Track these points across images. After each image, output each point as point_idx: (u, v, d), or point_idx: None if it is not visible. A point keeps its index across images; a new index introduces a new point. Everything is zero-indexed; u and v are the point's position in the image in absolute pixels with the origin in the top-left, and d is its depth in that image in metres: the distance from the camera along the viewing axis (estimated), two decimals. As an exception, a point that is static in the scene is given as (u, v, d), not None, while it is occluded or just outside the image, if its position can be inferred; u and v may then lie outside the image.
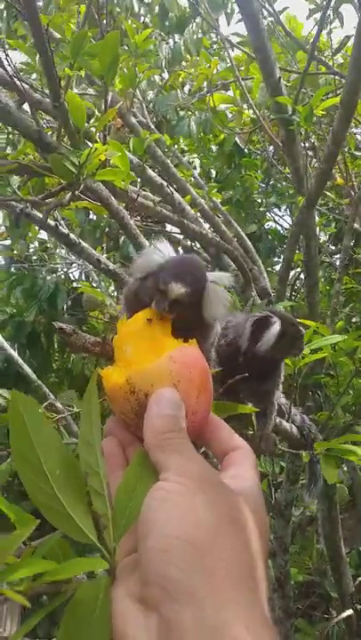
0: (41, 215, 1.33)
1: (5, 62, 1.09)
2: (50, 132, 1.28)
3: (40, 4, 2.23)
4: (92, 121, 1.23)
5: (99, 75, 1.06)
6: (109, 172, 1.00)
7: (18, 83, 1.08)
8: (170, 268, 0.62)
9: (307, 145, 1.72)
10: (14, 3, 0.91)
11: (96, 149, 0.98)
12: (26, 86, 1.23)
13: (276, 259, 2.80)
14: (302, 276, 2.28)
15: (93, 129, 1.13)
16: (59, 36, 1.33)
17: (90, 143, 1.15)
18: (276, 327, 0.99)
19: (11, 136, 2.77)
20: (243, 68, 2.47)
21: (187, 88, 2.85)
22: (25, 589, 0.38)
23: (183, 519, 0.36)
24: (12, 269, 3.47)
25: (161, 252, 0.65)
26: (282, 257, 2.94)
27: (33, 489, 0.40)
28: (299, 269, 2.38)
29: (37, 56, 1.32)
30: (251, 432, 1.00)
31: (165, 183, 1.68)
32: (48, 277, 3.29)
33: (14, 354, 2.16)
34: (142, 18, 2.98)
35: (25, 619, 3.19)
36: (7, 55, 1.11)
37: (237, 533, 0.37)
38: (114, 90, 1.65)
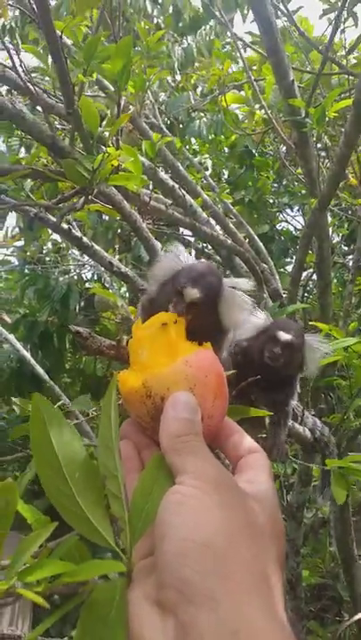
0: (54, 219, 1.34)
1: (19, 67, 1.10)
2: (61, 135, 1.29)
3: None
4: (104, 124, 1.24)
5: (112, 79, 1.07)
6: (123, 176, 1.01)
7: (31, 87, 1.09)
8: (186, 272, 0.65)
9: (319, 146, 1.71)
10: (29, 11, 0.92)
11: (109, 154, 0.99)
12: (38, 90, 1.25)
13: (288, 259, 2.79)
14: (315, 277, 2.27)
15: (106, 133, 1.14)
16: (70, 41, 1.35)
17: (102, 147, 1.16)
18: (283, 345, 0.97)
19: (25, 139, 2.80)
20: (255, 68, 2.47)
21: (199, 90, 2.85)
22: (43, 590, 0.38)
23: (199, 523, 0.37)
24: (26, 270, 3.50)
25: (178, 258, 0.67)
26: (294, 258, 2.93)
27: (52, 490, 0.41)
28: (311, 270, 2.36)
29: (50, 61, 1.34)
30: (264, 435, 1.00)
31: (177, 186, 1.69)
32: (60, 278, 3.32)
33: (27, 354, 2.18)
34: (155, 19, 2.99)
35: (37, 618, 3.22)
36: (21, 61, 1.12)
37: (253, 538, 0.37)
38: (125, 93, 1.66)
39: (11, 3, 1.10)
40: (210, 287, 0.64)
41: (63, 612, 0.39)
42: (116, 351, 0.71)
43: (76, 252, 3.52)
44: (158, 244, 1.45)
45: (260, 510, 0.40)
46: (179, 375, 0.46)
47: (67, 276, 3.40)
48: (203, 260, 0.77)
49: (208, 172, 2.40)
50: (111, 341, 0.73)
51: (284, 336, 0.87)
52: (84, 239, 1.44)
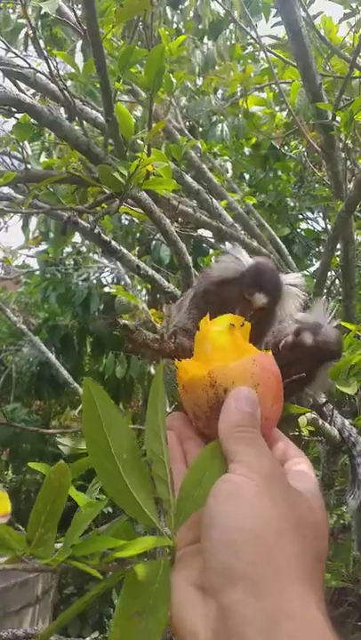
0: (85, 223, 1.37)
1: (54, 71, 1.13)
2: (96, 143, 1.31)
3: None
4: (139, 133, 1.27)
5: (144, 87, 1.09)
6: (155, 181, 1.03)
7: (67, 94, 1.12)
8: (252, 277, 0.68)
9: (341, 146, 1.71)
10: (76, 26, 0.94)
11: (143, 160, 1.01)
12: (73, 98, 1.27)
13: (309, 262, 2.79)
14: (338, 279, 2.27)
15: (139, 140, 1.16)
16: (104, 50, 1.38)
17: (131, 153, 1.18)
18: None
19: (46, 143, 2.85)
20: (276, 70, 2.47)
21: (219, 93, 2.87)
22: (96, 563, 0.40)
23: (250, 513, 0.37)
24: (47, 275, 3.55)
25: (238, 259, 0.70)
26: (315, 260, 2.92)
27: (101, 469, 0.42)
28: (335, 272, 2.36)
29: (81, 66, 1.36)
30: (297, 433, 1.01)
31: (202, 189, 1.70)
32: (81, 282, 3.36)
33: (52, 357, 2.21)
34: (175, 25, 3.01)
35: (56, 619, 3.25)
36: (57, 67, 1.15)
37: (300, 534, 0.38)
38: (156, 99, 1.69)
39: (56, 16, 1.13)
40: (275, 290, 0.67)
41: (81, 604, 0.40)
42: (159, 344, 0.73)
43: (96, 255, 3.56)
44: (184, 247, 1.47)
45: (308, 508, 0.40)
46: (245, 372, 0.47)
47: (87, 282, 3.45)
48: (263, 258, 0.79)
49: (229, 175, 2.41)
50: (155, 335, 0.75)
51: (307, 338, 0.85)
52: (113, 243, 1.47)
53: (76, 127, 1.16)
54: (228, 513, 0.38)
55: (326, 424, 1.20)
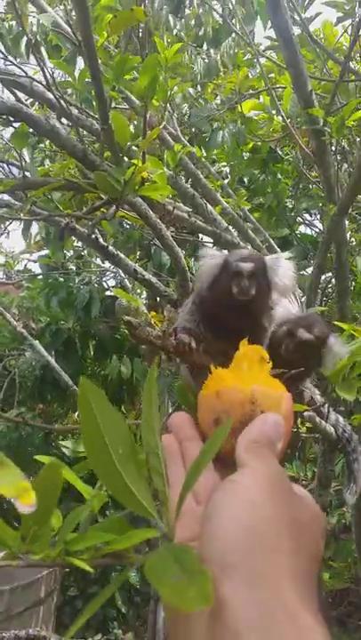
0: (82, 229, 1.40)
1: (50, 80, 1.16)
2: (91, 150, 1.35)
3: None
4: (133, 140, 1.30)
5: (139, 95, 1.12)
6: (151, 187, 1.06)
7: (63, 103, 1.15)
8: (228, 275, 0.76)
9: (336, 149, 1.73)
10: (69, 35, 0.98)
11: (138, 167, 1.04)
12: (66, 105, 1.31)
13: (306, 261, 2.81)
14: (333, 281, 2.29)
15: (134, 147, 1.19)
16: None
17: (126, 159, 1.21)
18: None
19: (47, 152, 2.88)
20: (272, 75, 2.51)
21: (218, 99, 2.90)
22: (88, 558, 0.42)
23: (251, 510, 0.39)
24: (49, 280, 3.58)
25: (213, 257, 0.75)
26: (312, 262, 2.94)
27: (98, 464, 0.44)
28: (329, 274, 2.39)
29: (76, 73, 1.40)
30: (295, 430, 1.03)
31: (197, 194, 1.73)
32: (82, 287, 3.39)
33: (52, 360, 2.24)
34: (176, 32, 3.04)
35: (59, 622, 3.27)
36: (52, 76, 1.18)
37: (297, 533, 0.40)
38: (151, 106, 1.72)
39: (53, 28, 1.16)
40: (258, 268, 0.74)
41: (100, 601, 0.40)
42: (162, 341, 0.76)
43: (97, 260, 3.59)
44: (181, 252, 1.50)
45: (307, 512, 0.42)
46: (281, 404, 0.52)
47: (88, 286, 3.47)
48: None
49: (226, 181, 2.44)
50: (158, 332, 0.77)
51: (304, 335, 0.88)
52: (110, 248, 1.50)
53: (73, 136, 1.19)
54: (230, 506, 0.39)
55: (323, 422, 1.22)
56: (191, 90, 2.62)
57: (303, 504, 0.43)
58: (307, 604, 0.35)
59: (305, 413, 1.12)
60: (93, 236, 1.34)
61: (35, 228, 3.34)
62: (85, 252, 3.58)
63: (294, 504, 0.41)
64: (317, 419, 1.20)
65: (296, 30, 1.72)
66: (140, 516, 0.44)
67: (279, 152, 2.62)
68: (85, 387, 0.45)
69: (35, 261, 3.73)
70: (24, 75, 1.37)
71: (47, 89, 1.16)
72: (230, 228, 1.91)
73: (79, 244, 3.32)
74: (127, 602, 3.42)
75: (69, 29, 1.10)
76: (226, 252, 0.80)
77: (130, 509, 0.44)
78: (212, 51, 2.82)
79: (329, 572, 2.55)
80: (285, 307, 0.92)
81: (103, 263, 3.49)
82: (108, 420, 0.45)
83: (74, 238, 2.65)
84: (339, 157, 2.35)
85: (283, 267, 0.79)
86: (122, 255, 1.48)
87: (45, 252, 3.34)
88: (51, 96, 1.26)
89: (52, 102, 1.30)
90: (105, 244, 1.37)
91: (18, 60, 2.06)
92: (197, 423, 0.55)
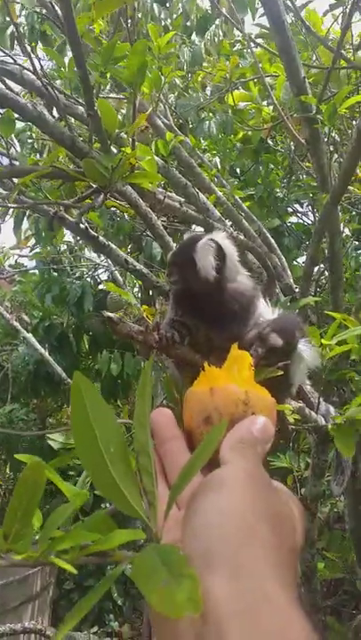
0: (72, 219, 1.38)
1: (38, 69, 1.14)
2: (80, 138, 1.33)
3: None
4: (121, 127, 1.28)
5: (128, 82, 1.10)
6: (140, 174, 1.05)
7: (51, 90, 1.13)
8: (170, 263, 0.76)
9: (328, 140, 1.72)
10: (53, 18, 0.95)
11: (126, 154, 1.02)
12: (56, 92, 1.28)
13: (300, 251, 2.81)
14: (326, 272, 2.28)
15: (123, 134, 1.17)
16: (85, 42, 1.39)
17: (114, 149, 1.19)
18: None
19: (35, 145, 2.85)
20: (260, 65, 2.49)
21: (208, 90, 2.88)
22: (71, 558, 0.41)
23: (233, 502, 0.39)
24: (41, 273, 3.56)
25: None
26: (305, 252, 2.93)
27: (88, 462, 0.43)
28: (323, 265, 2.38)
29: (67, 62, 1.38)
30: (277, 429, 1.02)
31: (190, 183, 1.72)
32: (75, 282, 3.38)
33: (46, 354, 2.22)
34: (162, 22, 3.02)
35: (55, 614, 3.28)
36: (40, 63, 1.16)
37: (279, 526, 0.40)
38: (141, 94, 1.70)
39: (37, 9, 1.13)
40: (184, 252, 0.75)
41: (96, 597, 0.39)
42: (144, 336, 0.75)
43: (89, 254, 3.57)
44: (172, 242, 1.48)
45: (285, 504, 0.43)
46: (272, 409, 0.53)
47: (80, 280, 3.46)
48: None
49: (218, 169, 2.42)
50: (140, 327, 0.76)
51: (276, 340, 0.84)
52: (100, 238, 1.48)
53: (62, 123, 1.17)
54: (212, 500, 0.39)
55: (313, 413, 1.22)
56: (177, 80, 2.59)
57: (282, 498, 0.43)
58: (289, 594, 0.35)
59: (293, 404, 1.12)
60: (83, 226, 1.32)
61: (25, 224, 3.32)
62: (77, 246, 3.55)
63: (274, 498, 0.42)
64: (307, 410, 1.19)
65: (288, 18, 1.70)
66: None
67: (270, 142, 2.61)
68: (79, 382, 0.44)
69: (25, 256, 3.71)
70: (13, 62, 1.34)
71: (35, 75, 1.13)
72: (223, 218, 1.90)
73: (71, 238, 3.30)
74: (123, 594, 3.43)
75: (55, 10, 1.07)
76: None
77: (119, 508, 0.44)
78: (197, 39, 2.80)
79: (323, 561, 2.57)
80: (264, 310, 0.90)
81: (98, 257, 3.47)
82: (101, 418, 0.44)
83: (65, 232, 2.63)
84: (331, 148, 2.34)
85: (199, 249, 0.79)
86: (113, 246, 1.47)
87: (38, 248, 3.31)
88: (40, 84, 1.24)
89: (42, 90, 1.28)
90: (95, 235, 1.36)
91: (11, 51, 2.03)
92: (179, 420, 0.54)
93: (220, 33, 3.24)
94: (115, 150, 1.18)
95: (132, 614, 3.61)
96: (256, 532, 0.38)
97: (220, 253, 0.79)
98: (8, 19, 2.60)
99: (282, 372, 0.76)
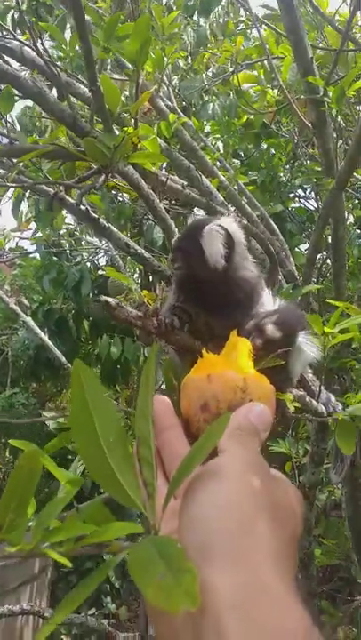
0: (72, 200, 1.36)
1: (40, 46, 1.11)
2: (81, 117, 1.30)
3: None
4: (122, 106, 1.25)
5: (130, 59, 1.07)
6: (142, 154, 1.02)
7: (52, 67, 1.10)
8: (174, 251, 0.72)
9: (334, 126, 1.69)
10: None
11: (129, 133, 1.00)
12: (57, 70, 1.25)
13: (303, 236, 2.78)
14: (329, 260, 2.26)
15: (125, 114, 1.15)
16: (88, 18, 1.35)
17: (117, 130, 1.16)
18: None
19: (38, 124, 2.81)
20: (268, 46, 2.43)
21: (210, 71, 2.83)
22: (66, 550, 0.40)
23: (230, 492, 0.38)
24: (41, 256, 3.54)
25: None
26: (310, 239, 2.91)
27: (86, 452, 0.42)
28: (325, 252, 2.36)
29: (68, 39, 1.34)
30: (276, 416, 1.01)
31: (192, 166, 1.69)
32: (74, 266, 3.36)
33: (45, 338, 2.21)
34: (165, 0, 2.95)
35: (54, 595, 3.32)
36: (41, 40, 1.13)
37: (278, 514, 0.39)
38: (143, 73, 1.66)
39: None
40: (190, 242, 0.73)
41: (93, 585, 0.38)
42: (142, 321, 0.73)
43: (89, 238, 3.54)
44: (174, 225, 1.46)
45: (284, 492, 0.42)
46: (271, 398, 0.52)
47: (80, 264, 3.43)
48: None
49: (221, 153, 2.38)
50: (138, 312, 0.75)
51: (274, 333, 0.81)
52: (101, 220, 1.46)
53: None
54: (209, 490, 0.38)
55: (313, 401, 1.21)
56: (181, 61, 2.54)
57: (281, 487, 0.42)
58: (287, 584, 0.35)
59: (294, 392, 1.11)
60: (83, 207, 1.30)
61: (25, 206, 3.29)
62: (77, 230, 3.52)
63: (272, 487, 0.41)
64: (307, 398, 1.18)
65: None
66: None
67: (273, 127, 2.57)
68: (79, 370, 0.42)
69: (26, 239, 3.68)
70: (12, 37, 1.31)
71: (35, 51, 1.10)
72: (226, 202, 1.87)
73: (71, 221, 3.27)
74: (121, 576, 3.47)
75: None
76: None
77: (117, 499, 0.42)
78: (201, 20, 2.74)
79: (320, 548, 2.59)
80: (266, 299, 0.88)
81: (100, 242, 3.44)
82: (100, 407, 0.42)
83: (65, 215, 2.60)
84: (335, 134, 2.30)
85: (207, 236, 0.76)
86: (113, 228, 1.44)
87: (39, 232, 3.28)
88: (41, 62, 1.21)
89: (43, 68, 1.25)
90: (95, 217, 1.33)
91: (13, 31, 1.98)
92: (177, 406, 0.53)
93: (225, 14, 3.17)
94: (117, 131, 1.15)
95: (129, 596, 3.66)
96: (254, 522, 0.37)
97: (229, 241, 0.76)
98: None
99: (283, 361, 0.75)
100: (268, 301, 0.89)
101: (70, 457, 2.94)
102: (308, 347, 0.84)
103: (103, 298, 0.72)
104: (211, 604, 0.33)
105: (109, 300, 0.72)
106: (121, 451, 0.42)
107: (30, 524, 0.43)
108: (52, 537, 0.40)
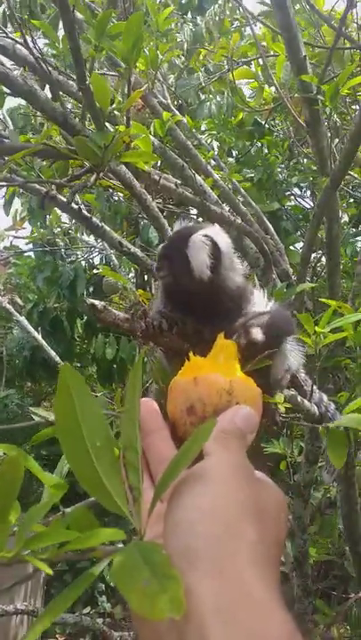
0: (64, 199, 1.35)
1: (31, 43, 1.10)
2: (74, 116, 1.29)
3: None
4: (114, 105, 1.24)
5: (122, 56, 1.06)
6: (134, 153, 1.01)
7: (43, 65, 1.09)
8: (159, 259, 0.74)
9: (329, 124, 1.69)
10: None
11: (120, 131, 0.99)
12: (48, 68, 1.24)
13: (298, 235, 2.78)
14: (323, 259, 2.26)
15: (117, 112, 1.14)
16: (81, 16, 1.34)
17: (110, 127, 1.16)
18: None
19: (33, 121, 2.79)
20: (264, 44, 2.43)
21: (205, 69, 2.82)
22: (49, 557, 0.40)
23: (215, 496, 0.38)
24: (34, 255, 3.52)
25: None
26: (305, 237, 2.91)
27: (72, 456, 0.42)
28: (320, 251, 2.36)
29: (60, 36, 1.33)
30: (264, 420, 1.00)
31: (186, 165, 1.68)
32: (68, 265, 3.34)
33: (39, 337, 2.20)
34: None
35: (48, 595, 3.31)
36: (32, 37, 1.12)
37: (263, 519, 0.39)
38: (136, 71, 1.65)
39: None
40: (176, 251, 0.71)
41: (81, 588, 0.38)
42: (129, 324, 0.73)
43: (85, 237, 3.52)
44: (167, 224, 1.45)
45: (270, 497, 0.42)
46: (257, 399, 0.51)
47: (74, 263, 3.42)
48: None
49: (216, 152, 2.38)
50: (125, 314, 0.74)
51: (258, 335, 0.79)
52: (94, 219, 1.45)
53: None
54: (194, 494, 0.38)
55: (306, 401, 1.21)
56: (177, 60, 2.53)
57: (266, 490, 0.42)
58: (271, 589, 0.35)
59: (285, 392, 1.10)
60: (77, 206, 1.29)
61: (17, 204, 3.27)
62: (72, 229, 3.51)
63: (257, 490, 0.41)
64: (299, 397, 1.18)
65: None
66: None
67: (266, 125, 2.56)
68: (66, 373, 0.41)
69: (20, 238, 3.66)
70: (4, 35, 1.29)
71: (26, 48, 1.09)
72: (220, 201, 1.86)
73: (66, 219, 3.26)
74: (116, 576, 3.46)
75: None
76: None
77: (102, 504, 0.42)
78: (198, 18, 2.73)
79: (315, 546, 2.60)
80: (257, 301, 0.86)
81: (96, 241, 3.43)
82: (88, 412, 0.42)
83: (59, 213, 2.59)
84: (330, 132, 2.30)
85: (193, 246, 0.74)
86: (106, 227, 1.43)
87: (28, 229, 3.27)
88: (33, 59, 1.19)
89: (35, 66, 1.23)
90: (88, 215, 1.32)
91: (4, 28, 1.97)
92: (163, 410, 0.53)
93: (221, 12, 3.16)
94: (111, 129, 1.14)
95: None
96: (239, 527, 0.37)
97: (216, 251, 0.75)
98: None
99: (270, 362, 0.74)
100: (260, 302, 0.88)
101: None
102: (293, 353, 0.83)
103: (89, 300, 0.71)
104: (195, 608, 0.33)
105: (95, 302, 0.71)
106: (107, 455, 0.42)
107: (15, 529, 0.42)
108: (35, 543, 0.39)
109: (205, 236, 0.75)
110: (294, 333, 0.83)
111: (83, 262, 3.58)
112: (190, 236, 0.75)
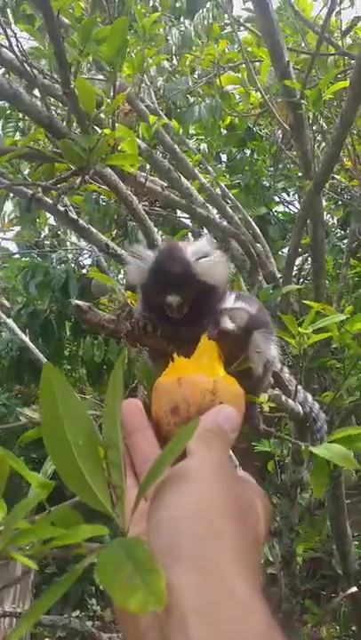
0: (51, 201, 1.35)
1: (15, 47, 1.11)
2: (60, 118, 1.30)
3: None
4: (102, 108, 1.25)
5: (107, 61, 1.07)
6: (119, 156, 1.02)
7: (28, 68, 1.10)
8: (155, 277, 0.72)
9: (315, 128, 1.71)
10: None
11: (105, 134, 1.00)
12: (35, 71, 1.25)
13: (285, 241, 2.80)
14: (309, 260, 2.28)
15: (102, 115, 1.15)
16: (67, 21, 1.35)
17: (98, 129, 1.17)
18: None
19: (20, 123, 2.79)
20: (250, 49, 2.45)
21: (196, 74, 2.84)
22: (34, 553, 0.40)
23: (198, 494, 0.39)
24: (24, 257, 3.51)
25: (142, 258, 0.72)
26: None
27: (56, 454, 0.42)
28: (306, 254, 2.38)
29: (47, 41, 1.34)
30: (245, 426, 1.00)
31: (173, 168, 1.69)
32: (59, 267, 3.33)
33: (26, 339, 2.19)
34: (151, 2, 2.95)
35: (38, 597, 3.29)
36: (17, 40, 1.13)
37: (244, 516, 0.40)
38: (122, 75, 1.66)
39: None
40: (184, 280, 0.71)
41: (63, 588, 0.39)
42: (115, 325, 0.73)
43: (73, 238, 3.52)
44: (153, 226, 1.46)
45: (251, 495, 0.43)
46: (239, 398, 0.53)
47: (64, 265, 3.41)
48: (166, 246, 0.80)
49: (203, 155, 2.39)
50: (111, 316, 0.75)
51: (227, 324, 0.78)
52: (80, 221, 1.46)
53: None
54: (177, 493, 0.39)
55: (290, 400, 1.22)
56: (166, 63, 2.55)
57: (248, 489, 0.43)
58: (252, 587, 0.36)
59: (270, 392, 1.11)
60: (63, 208, 1.30)
61: (9, 207, 3.26)
62: (61, 230, 3.51)
63: (238, 488, 0.42)
64: (283, 397, 1.19)
65: (275, 2, 1.67)
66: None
67: (256, 130, 2.59)
68: (49, 373, 0.42)
69: (8, 239, 3.65)
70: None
71: (11, 51, 1.10)
72: (208, 205, 1.88)
73: (54, 221, 3.25)
74: (106, 579, 3.45)
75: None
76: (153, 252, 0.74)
77: (86, 502, 0.43)
78: (187, 22, 2.75)
79: (302, 544, 2.62)
80: (228, 301, 0.87)
81: (79, 241, 3.43)
82: (71, 411, 0.42)
83: (48, 215, 2.59)
84: (317, 136, 2.33)
85: (208, 265, 0.74)
86: (93, 229, 1.44)
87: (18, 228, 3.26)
88: (18, 63, 1.20)
89: (20, 69, 1.24)
90: (75, 217, 1.33)
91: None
92: (148, 410, 0.54)
93: (211, 16, 3.19)
94: (98, 130, 1.15)
95: (114, 598, 3.63)
96: (221, 525, 0.37)
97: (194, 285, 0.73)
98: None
99: (252, 364, 0.75)
100: (231, 300, 0.88)
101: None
102: (265, 343, 0.82)
103: (74, 302, 0.71)
104: (177, 604, 0.33)
105: (80, 303, 0.71)
106: (91, 454, 0.43)
107: (1, 528, 0.43)
108: (20, 540, 0.40)
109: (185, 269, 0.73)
110: (268, 325, 0.82)
111: (72, 263, 3.57)
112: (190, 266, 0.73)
